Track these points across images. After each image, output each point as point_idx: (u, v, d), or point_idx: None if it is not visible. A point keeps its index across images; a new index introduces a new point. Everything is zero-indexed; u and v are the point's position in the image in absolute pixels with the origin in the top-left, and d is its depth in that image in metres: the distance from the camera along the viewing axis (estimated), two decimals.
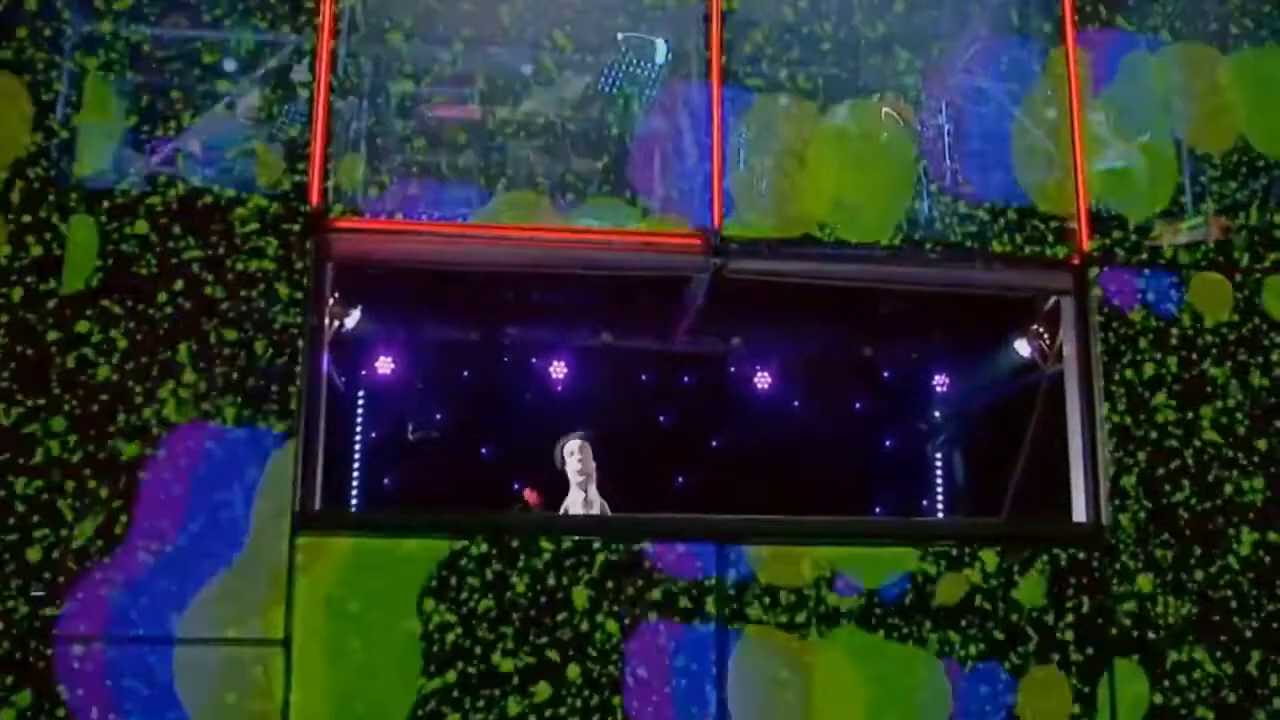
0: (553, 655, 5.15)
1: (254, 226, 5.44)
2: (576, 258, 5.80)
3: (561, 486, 6.64)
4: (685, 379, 8.62)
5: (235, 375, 5.18)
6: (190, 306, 5.26)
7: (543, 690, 5.12)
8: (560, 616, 5.17)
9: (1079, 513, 6.01)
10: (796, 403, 8.76)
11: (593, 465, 6.45)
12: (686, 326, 7.57)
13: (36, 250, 5.21)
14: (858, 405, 8.90)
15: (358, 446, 7.95)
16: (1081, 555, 5.65)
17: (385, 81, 5.78)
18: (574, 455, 6.48)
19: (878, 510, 8.75)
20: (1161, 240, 6.16)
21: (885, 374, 8.80)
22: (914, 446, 8.91)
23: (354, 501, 7.90)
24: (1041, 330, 7.15)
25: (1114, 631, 5.61)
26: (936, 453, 8.84)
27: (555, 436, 7.89)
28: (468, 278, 7.49)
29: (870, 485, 8.62)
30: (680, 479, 8.45)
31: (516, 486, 6.91)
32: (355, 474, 7.96)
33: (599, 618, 5.22)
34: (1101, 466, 5.90)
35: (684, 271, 5.97)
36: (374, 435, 8.12)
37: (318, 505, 5.40)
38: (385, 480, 8.16)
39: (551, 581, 5.18)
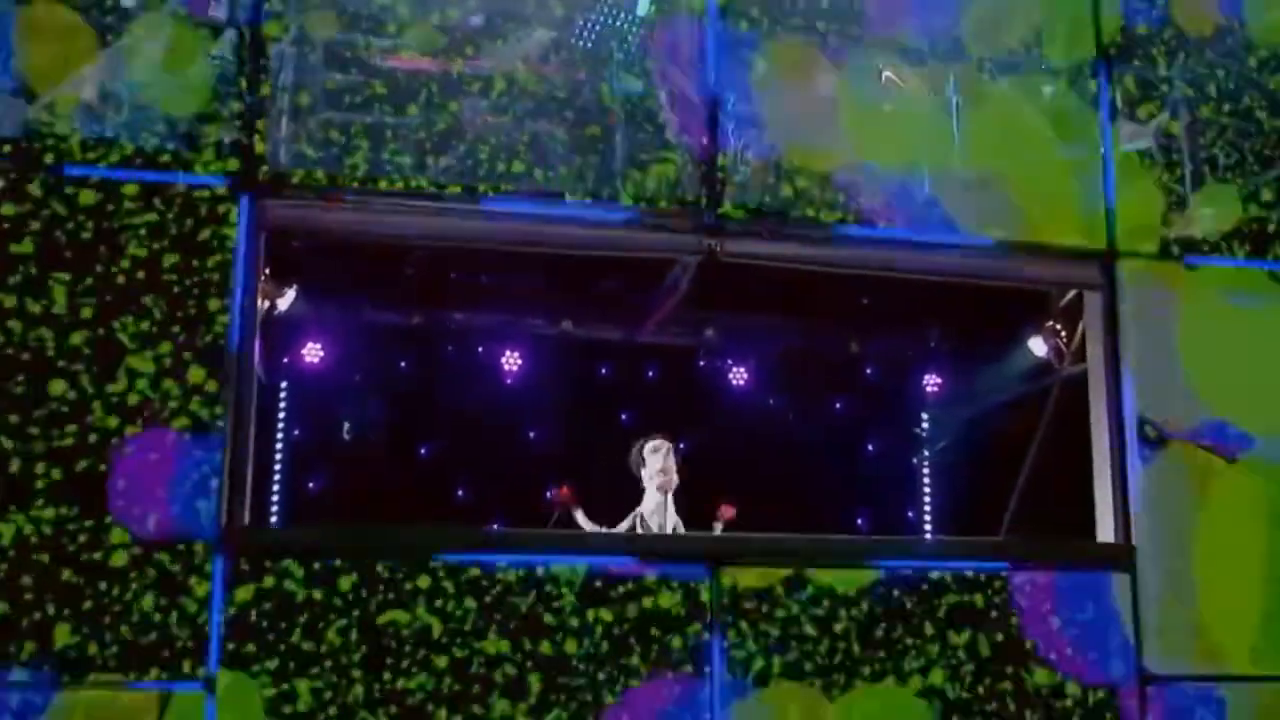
0: None
1: (171, 192, 4.91)
2: (552, 235, 5.35)
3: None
4: (650, 374, 8.24)
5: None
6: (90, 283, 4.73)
7: None
8: None
9: (1105, 531, 5.71)
10: (772, 401, 8.43)
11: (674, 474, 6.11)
12: (659, 316, 7.27)
13: None
14: (839, 406, 8.59)
15: (279, 445, 7.41)
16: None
17: (335, 25, 5.23)
18: (658, 453, 6.10)
19: (860, 522, 8.48)
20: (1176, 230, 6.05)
21: (870, 371, 8.49)
22: (900, 452, 8.66)
23: (274, 509, 7.36)
24: (1059, 327, 6.89)
25: None
26: (926, 460, 8.59)
27: (503, 434, 7.70)
28: (409, 256, 7.10)
29: (850, 494, 8.32)
30: None
31: (549, 493, 6.46)
32: (276, 477, 7.41)
33: None
34: (1132, 479, 5.59)
35: (674, 253, 5.57)
36: (297, 432, 7.59)
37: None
38: (310, 484, 7.65)
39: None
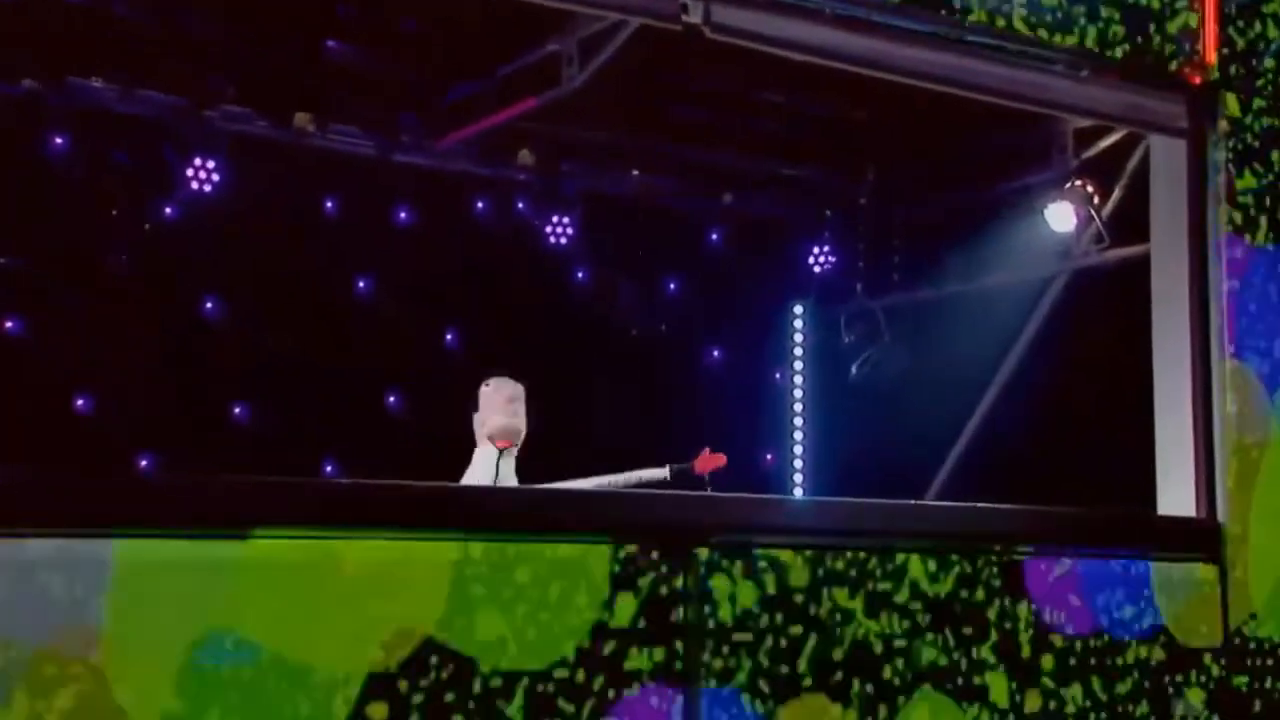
0: None
1: None
2: None
3: None
4: (408, 216, 7.30)
5: None
6: None
7: None
8: None
9: (1171, 503, 5.26)
10: (582, 274, 7.81)
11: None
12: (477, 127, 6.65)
13: None
14: (675, 286, 8.11)
15: None
16: None
17: None
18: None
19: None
20: None
21: (738, 236, 8.10)
22: (763, 363, 8.43)
23: None
24: (1091, 189, 6.48)
25: None
26: (802, 377, 8.30)
27: (159, 303, 6.85)
28: None
29: (684, 420, 7.78)
30: (392, 398, 7.22)
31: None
32: None
33: None
34: (1220, 430, 5.17)
35: (638, 15, 4.76)
36: None
37: None
38: None
39: None
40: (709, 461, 6.16)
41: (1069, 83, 5.39)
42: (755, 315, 8.38)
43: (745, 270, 8.28)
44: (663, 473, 6.24)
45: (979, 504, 6.40)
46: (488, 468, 5.41)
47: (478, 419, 5.52)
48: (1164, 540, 5.25)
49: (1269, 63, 5.71)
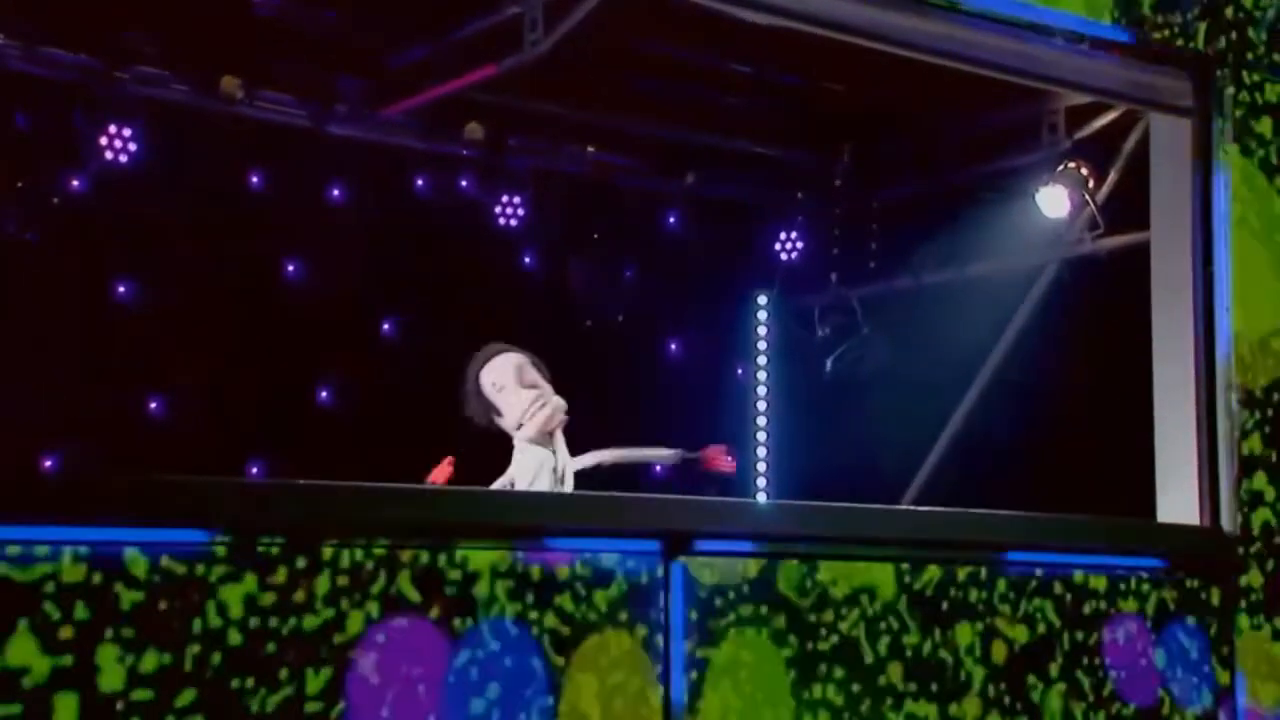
0: None
1: None
2: None
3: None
4: (341, 193, 7.15)
5: None
6: None
7: None
8: None
9: (1171, 509, 5.33)
10: (527, 261, 7.70)
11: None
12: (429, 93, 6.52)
13: None
14: (632, 274, 8.10)
15: None
16: None
17: None
18: (511, 371, 4.81)
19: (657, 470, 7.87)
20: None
21: (699, 220, 7.99)
22: (724, 358, 8.37)
23: None
24: (1086, 172, 6.45)
25: None
26: (767, 373, 8.26)
27: (81, 278, 6.77)
28: None
29: (636, 419, 7.36)
30: (324, 393, 7.12)
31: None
32: None
33: None
34: (1225, 429, 5.17)
35: None
36: None
37: None
38: None
39: None
40: (717, 460, 5.78)
41: (1066, 55, 5.29)
42: (717, 305, 8.36)
43: (707, 256, 8.21)
44: (670, 454, 6.02)
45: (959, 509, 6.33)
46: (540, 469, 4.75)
47: (500, 422, 4.83)
48: (1165, 549, 5.11)
49: (1259, 34, 5.74)
